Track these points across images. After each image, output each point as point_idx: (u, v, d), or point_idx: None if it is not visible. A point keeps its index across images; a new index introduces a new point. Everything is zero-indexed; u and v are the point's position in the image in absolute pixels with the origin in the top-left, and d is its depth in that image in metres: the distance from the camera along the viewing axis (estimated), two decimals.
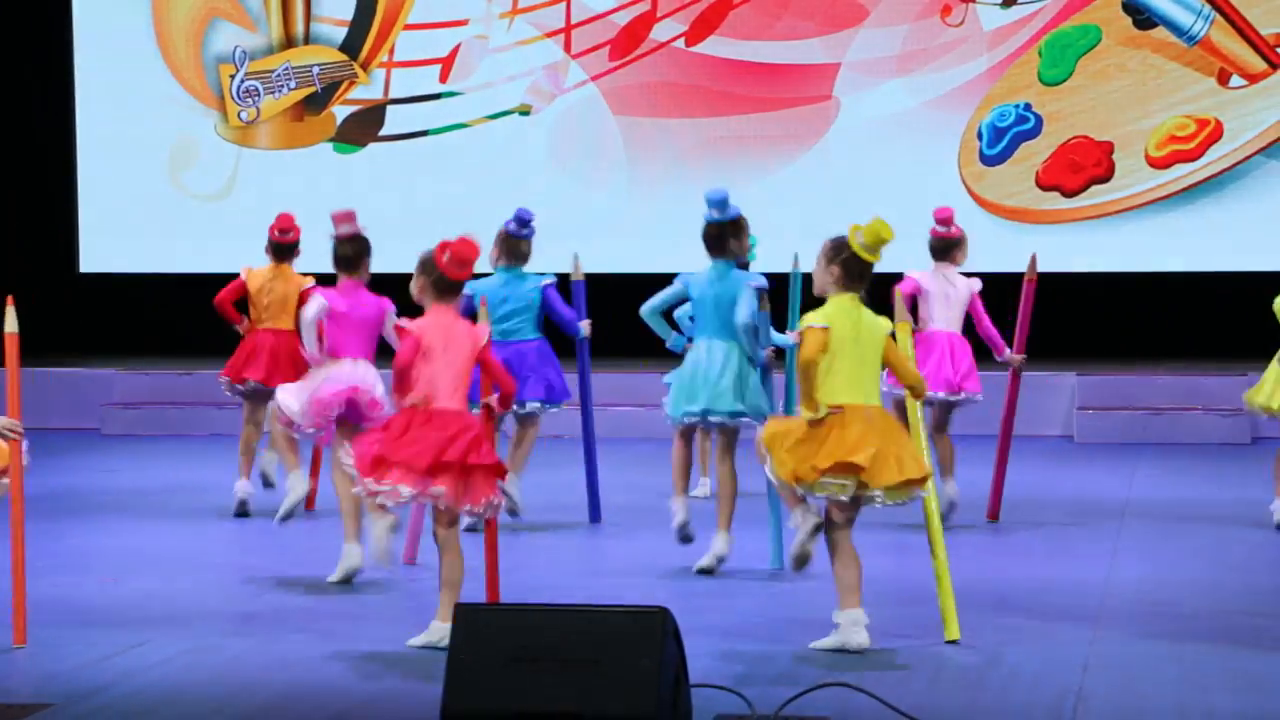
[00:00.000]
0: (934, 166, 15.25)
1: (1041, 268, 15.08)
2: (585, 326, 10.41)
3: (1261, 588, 8.62)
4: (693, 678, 6.17)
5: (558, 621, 6.07)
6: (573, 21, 15.68)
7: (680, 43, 15.58)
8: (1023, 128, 15.20)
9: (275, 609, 8.37)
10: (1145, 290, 15.20)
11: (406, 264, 16.01)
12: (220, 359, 11.18)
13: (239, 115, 16.09)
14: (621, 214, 15.72)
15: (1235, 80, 14.82)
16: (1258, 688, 6.80)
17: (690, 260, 15.60)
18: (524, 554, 9.43)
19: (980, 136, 15.28)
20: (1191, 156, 14.89)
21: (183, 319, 16.25)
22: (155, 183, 16.24)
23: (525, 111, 15.77)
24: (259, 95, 16.06)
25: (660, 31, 15.57)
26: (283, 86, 16.04)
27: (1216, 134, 14.84)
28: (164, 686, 6.90)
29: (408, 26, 15.90)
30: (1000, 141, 15.25)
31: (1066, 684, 6.83)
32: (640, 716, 5.75)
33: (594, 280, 15.78)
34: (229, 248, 16.04)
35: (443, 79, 15.86)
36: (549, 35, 15.71)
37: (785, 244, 15.33)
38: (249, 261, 16.06)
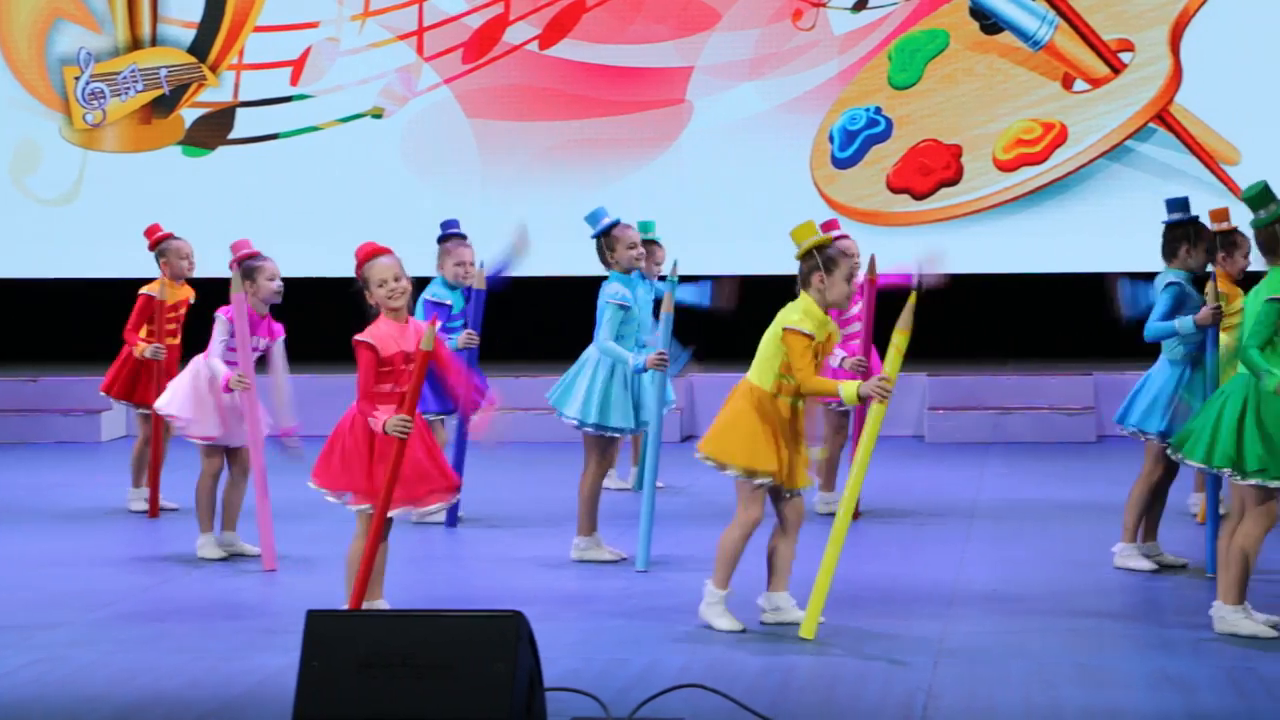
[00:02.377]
0: (786, 169, 15.34)
1: (892, 269, 15.26)
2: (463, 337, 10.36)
3: (1107, 585, 8.74)
4: (548, 681, 6.16)
5: (410, 627, 6.04)
6: (425, 24, 15.61)
7: (534, 45, 15.56)
8: (873, 131, 15.31)
9: (124, 617, 8.29)
10: (993, 292, 15.36)
11: None
12: (66, 365, 11.08)
13: (84, 118, 15.88)
14: (475, 217, 15.65)
15: (1079, 85, 15.02)
16: (1103, 683, 6.91)
17: (543, 263, 15.67)
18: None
19: (831, 140, 15.37)
20: (1037, 160, 15.07)
21: (27, 325, 16.05)
22: None
23: (378, 114, 15.69)
24: (105, 98, 15.86)
25: (513, 34, 15.55)
26: (130, 89, 15.86)
27: (1061, 137, 15.03)
28: (8, 700, 6.81)
29: (257, 28, 15.77)
30: (851, 145, 15.35)
31: (917, 682, 6.90)
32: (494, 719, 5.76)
33: None
34: (75, 253, 15.91)
35: (294, 82, 15.74)
36: (401, 38, 15.64)
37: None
38: (95, 266, 15.97)
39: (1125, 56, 14.94)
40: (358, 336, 7.71)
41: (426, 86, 15.68)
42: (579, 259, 15.53)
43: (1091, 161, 14.99)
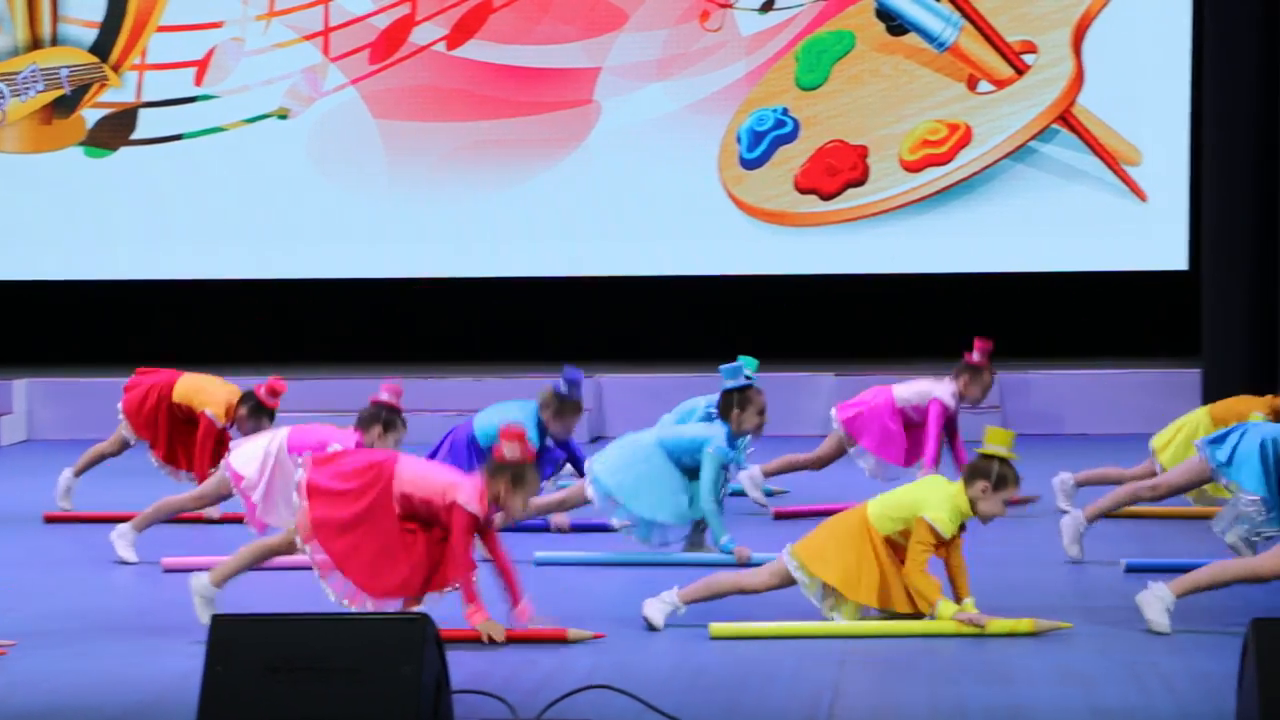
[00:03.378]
0: (694, 170, 15.38)
1: (800, 270, 15.35)
2: None
3: (1015, 583, 8.80)
4: (455, 684, 6.15)
5: (316, 631, 6.02)
6: (331, 24, 15.57)
7: (441, 46, 15.54)
8: (780, 132, 15.37)
9: (23, 623, 8.21)
10: (900, 292, 15.45)
11: (161, 270, 15.95)
12: None
13: None
14: (382, 218, 15.64)
15: (983, 86, 15.14)
16: (1005, 679, 6.96)
17: (452, 264, 15.67)
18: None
19: (739, 140, 15.41)
20: (943, 160, 15.18)
21: None
22: None
23: (283, 115, 15.63)
24: (4, 98, 15.72)
25: (420, 35, 15.52)
26: (30, 89, 15.72)
27: (966, 138, 15.14)
28: None
29: (160, 28, 15.67)
30: (759, 145, 15.39)
31: (824, 681, 6.91)
32: None
33: (354, 285, 15.79)
34: None
35: (197, 82, 15.65)
36: (307, 38, 15.59)
37: (547, 246, 15.48)
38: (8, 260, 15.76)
39: (1028, 58, 15.07)
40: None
41: (333, 87, 15.62)
42: (487, 260, 15.57)
43: (996, 162, 15.10)
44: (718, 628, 7.67)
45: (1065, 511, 10.03)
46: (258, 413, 10.27)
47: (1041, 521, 10.54)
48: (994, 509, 7.74)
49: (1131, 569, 9.01)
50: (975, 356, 11.15)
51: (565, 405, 10.21)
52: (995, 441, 7.85)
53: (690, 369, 13.40)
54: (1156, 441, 10.51)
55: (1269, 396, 10.45)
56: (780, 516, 10.60)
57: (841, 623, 7.69)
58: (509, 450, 7.55)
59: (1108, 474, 10.59)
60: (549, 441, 10.23)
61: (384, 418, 9.39)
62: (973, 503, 7.72)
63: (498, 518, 7.64)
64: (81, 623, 8.22)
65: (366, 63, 15.56)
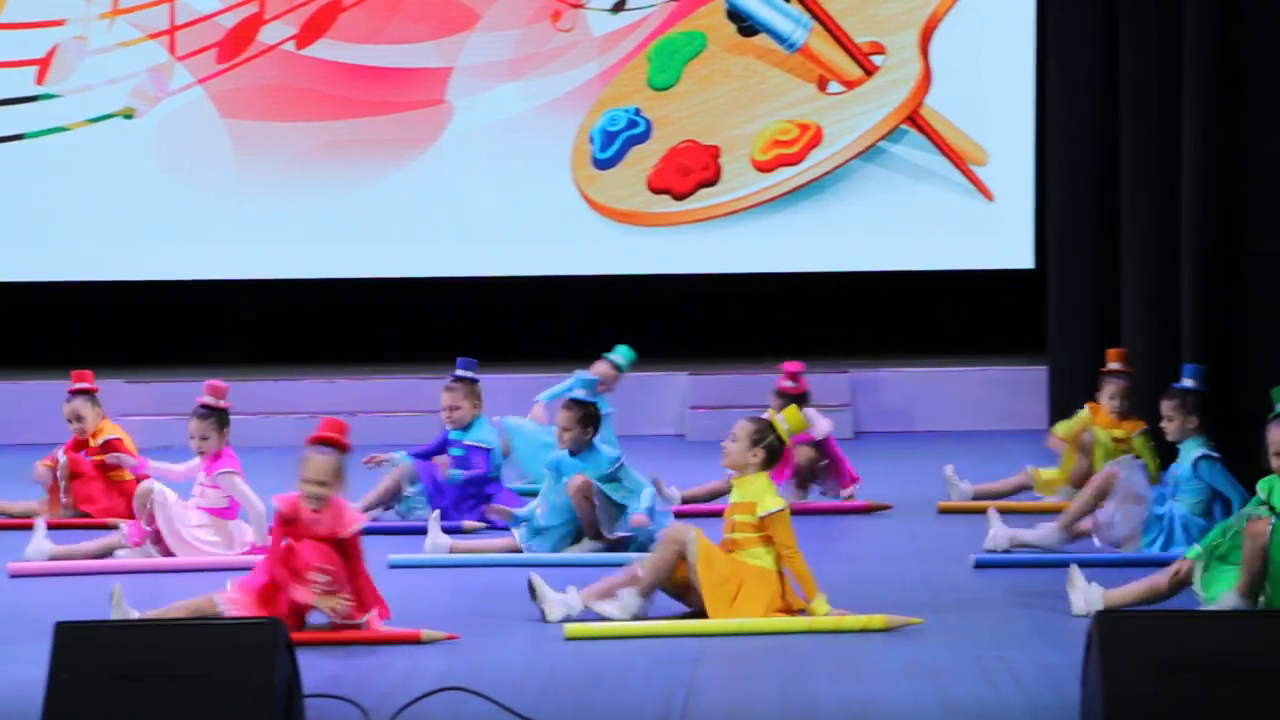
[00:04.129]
0: (547, 170, 15.38)
1: (653, 269, 15.40)
2: None
3: (863, 578, 8.89)
4: (307, 688, 6.14)
5: (165, 636, 5.99)
6: (177, 23, 15.42)
7: (290, 45, 15.44)
8: (633, 132, 15.40)
9: None
10: (753, 291, 15.54)
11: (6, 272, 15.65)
12: None
13: None
14: (231, 219, 15.52)
15: (834, 86, 15.25)
16: (857, 675, 7.03)
17: (303, 265, 15.60)
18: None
19: (592, 140, 15.43)
20: (794, 160, 15.27)
21: None
22: None
23: (129, 115, 15.46)
24: None
25: (269, 34, 15.41)
26: None
27: (817, 139, 15.25)
28: None
29: (0, 26, 15.47)
30: (611, 145, 15.42)
31: (677, 679, 6.96)
32: None
33: (202, 287, 15.65)
34: None
35: (39, 80, 15.44)
36: (152, 37, 15.42)
37: (399, 247, 15.43)
38: None
39: (877, 59, 15.20)
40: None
41: (179, 86, 15.48)
42: (339, 261, 15.49)
43: (846, 162, 15.22)
44: (573, 628, 7.69)
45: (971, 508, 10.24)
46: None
47: (892, 518, 10.69)
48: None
49: (981, 564, 9.13)
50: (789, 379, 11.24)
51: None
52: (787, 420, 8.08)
53: (543, 369, 13.39)
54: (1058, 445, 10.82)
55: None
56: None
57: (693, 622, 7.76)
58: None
59: (991, 489, 10.73)
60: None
61: (223, 418, 9.64)
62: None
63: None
64: None
65: (214, 62, 15.42)
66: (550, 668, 7.21)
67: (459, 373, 10.71)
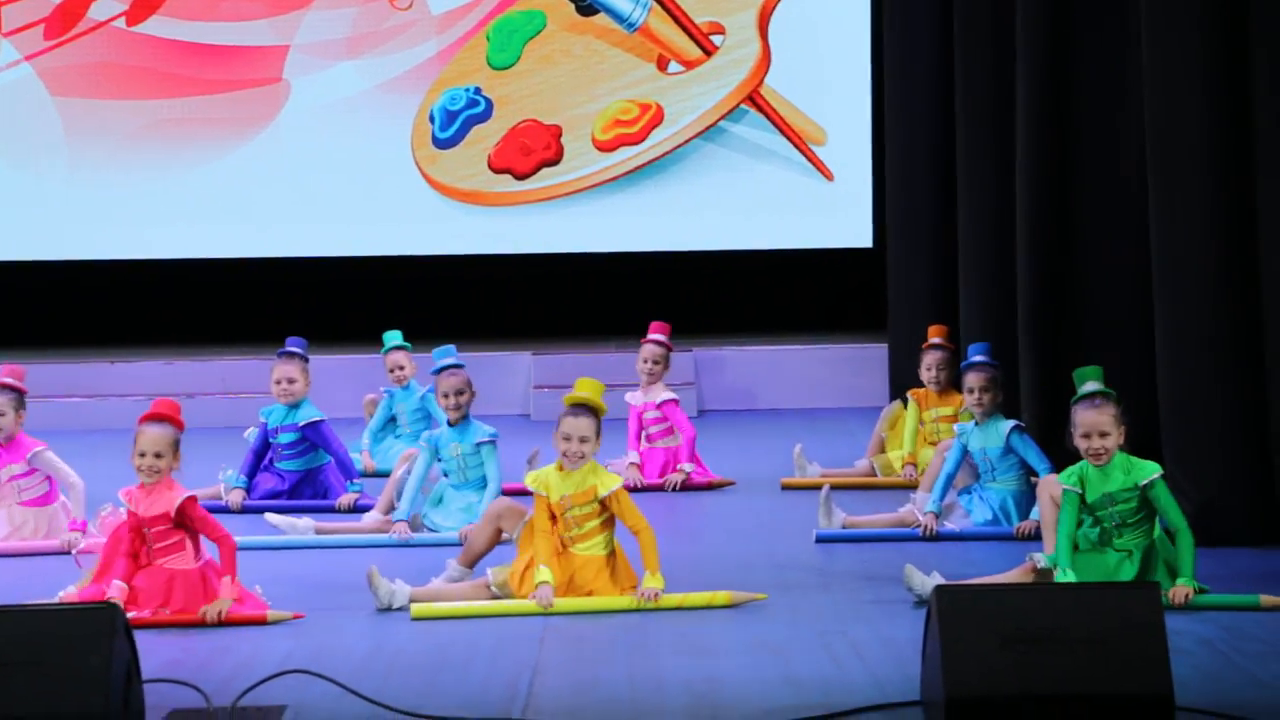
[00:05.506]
0: (387, 149, 15.38)
1: (495, 249, 15.42)
2: None
3: (709, 554, 8.95)
4: (147, 673, 6.10)
5: (12, 620, 5.93)
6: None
7: (121, 22, 15.28)
8: (473, 111, 15.42)
9: None
10: (596, 270, 15.60)
11: None
12: None
13: None
14: (62, 198, 15.35)
15: (674, 66, 15.35)
16: (702, 651, 7.08)
17: (137, 246, 15.45)
18: None
19: (432, 120, 15.44)
20: (635, 140, 15.36)
21: None
22: None
23: None
24: None
25: (99, 10, 15.25)
26: None
27: (658, 118, 15.34)
28: None
29: None
30: (452, 125, 15.43)
31: (523, 659, 6.97)
32: (89, 714, 5.66)
33: (31, 267, 15.45)
34: None
35: None
36: None
37: (236, 229, 15.32)
38: None
39: (716, 39, 15.32)
40: None
41: (6, 63, 15.29)
42: (174, 242, 15.36)
43: (687, 142, 15.34)
44: (418, 609, 7.69)
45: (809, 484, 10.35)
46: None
47: (737, 495, 10.78)
48: None
49: (821, 539, 9.21)
50: (657, 339, 11.34)
51: None
52: (592, 392, 8.10)
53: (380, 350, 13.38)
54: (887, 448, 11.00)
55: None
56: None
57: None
58: None
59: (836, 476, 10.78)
60: None
61: (21, 401, 9.52)
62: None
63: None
64: None
65: (42, 38, 15.24)
66: (396, 649, 7.19)
67: (291, 348, 10.66)
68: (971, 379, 9.43)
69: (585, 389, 8.06)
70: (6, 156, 15.35)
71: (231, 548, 7.74)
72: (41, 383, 11.70)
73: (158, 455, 7.76)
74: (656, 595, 7.72)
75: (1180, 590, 7.38)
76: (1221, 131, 8.74)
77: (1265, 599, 7.42)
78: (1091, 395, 7.61)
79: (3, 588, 7.94)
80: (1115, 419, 7.58)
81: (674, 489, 10.71)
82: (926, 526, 9.14)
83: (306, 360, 10.67)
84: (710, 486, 10.90)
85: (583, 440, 7.91)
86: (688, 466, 10.84)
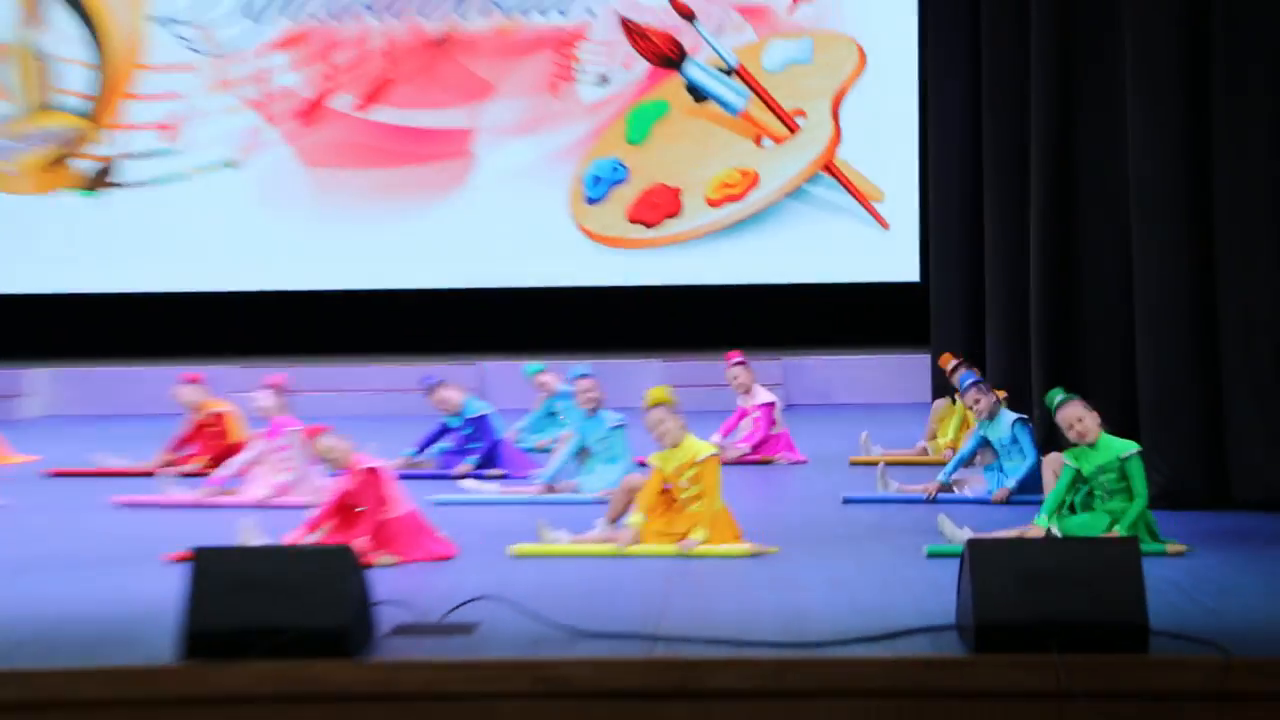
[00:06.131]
0: (551, 206, 15.47)
1: (631, 282, 15.46)
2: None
3: (787, 514, 8.88)
4: (377, 597, 6.15)
5: (279, 557, 6.03)
6: (270, 94, 15.48)
7: (353, 110, 15.50)
8: (615, 177, 15.48)
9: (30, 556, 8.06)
10: (707, 298, 15.61)
11: (138, 284, 15.47)
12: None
13: (1, 168, 15.49)
14: (308, 243, 15.57)
15: (767, 142, 15.34)
16: (789, 587, 6.96)
17: (366, 279, 15.55)
18: None
19: (584, 183, 15.50)
20: (737, 198, 15.36)
21: None
22: None
23: (232, 165, 15.51)
24: (16, 153, 15.47)
25: (338, 104, 15.48)
26: (33, 145, 15.49)
27: (754, 182, 15.34)
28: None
29: (133, 96, 15.50)
30: (599, 187, 15.49)
31: (656, 591, 6.92)
32: (337, 627, 5.76)
33: (287, 296, 15.63)
34: (6, 272, 15.47)
35: (164, 139, 15.50)
36: (249, 104, 15.48)
37: (438, 265, 15.48)
38: (12, 282, 15.46)
39: (800, 121, 15.29)
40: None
41: (274, 142, 15.54)
42: (392, 276, 15.52)
43: (776, 200, 15.32)
44: (600, 548, 7.71)
45: (871, 461, 10.24)
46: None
47: (814, 469, 10.62)
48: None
49: (848, 501, 9.15)
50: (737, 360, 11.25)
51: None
52: (657, 397, 8.03)
53: (548, 358, 13.42)
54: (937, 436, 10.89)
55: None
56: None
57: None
58: None
59: (893, 456, 10.69)
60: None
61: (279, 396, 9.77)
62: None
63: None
64: (71, 556, 8.03)
65: (297, 123, 15.48)
66: (560, 583, 7.13)
67: (430, 380, 10.74)
68: (966, 399, 9.49)
69: (651, 394, 8.06)
70: (272, 210, 15.57)
71: (403, 516, 7.74)
72: (305, 381, 11.89)
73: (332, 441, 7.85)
74: (694, 545, 7.64)
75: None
76: (1189, 187, 8.66)
77: (1170, 547, 7.41)
78: (1061, 401, 7.60)
79: (269, 531, 8.04)
80: (1084, 407, 7.54)
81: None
82: (929, 491, 9.11)
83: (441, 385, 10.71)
84: (791, 463, 10.84)
85: (658, 426, 7.91)
86: (744, 448, 10.80)
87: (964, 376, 9.77)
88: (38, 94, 15.48)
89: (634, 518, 7.77)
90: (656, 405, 7.96)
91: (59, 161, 15.49)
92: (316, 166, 15.55)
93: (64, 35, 15.40)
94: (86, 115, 15.50)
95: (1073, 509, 7.57)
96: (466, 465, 10.27)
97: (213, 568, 5.88)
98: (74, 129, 15.47)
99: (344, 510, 7.74)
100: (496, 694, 5.69)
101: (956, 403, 10.71)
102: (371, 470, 7.73)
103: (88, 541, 8.40)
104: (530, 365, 11.71)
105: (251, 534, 7.79)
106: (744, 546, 7.69)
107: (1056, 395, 7.67)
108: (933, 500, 9.06)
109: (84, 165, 15.53)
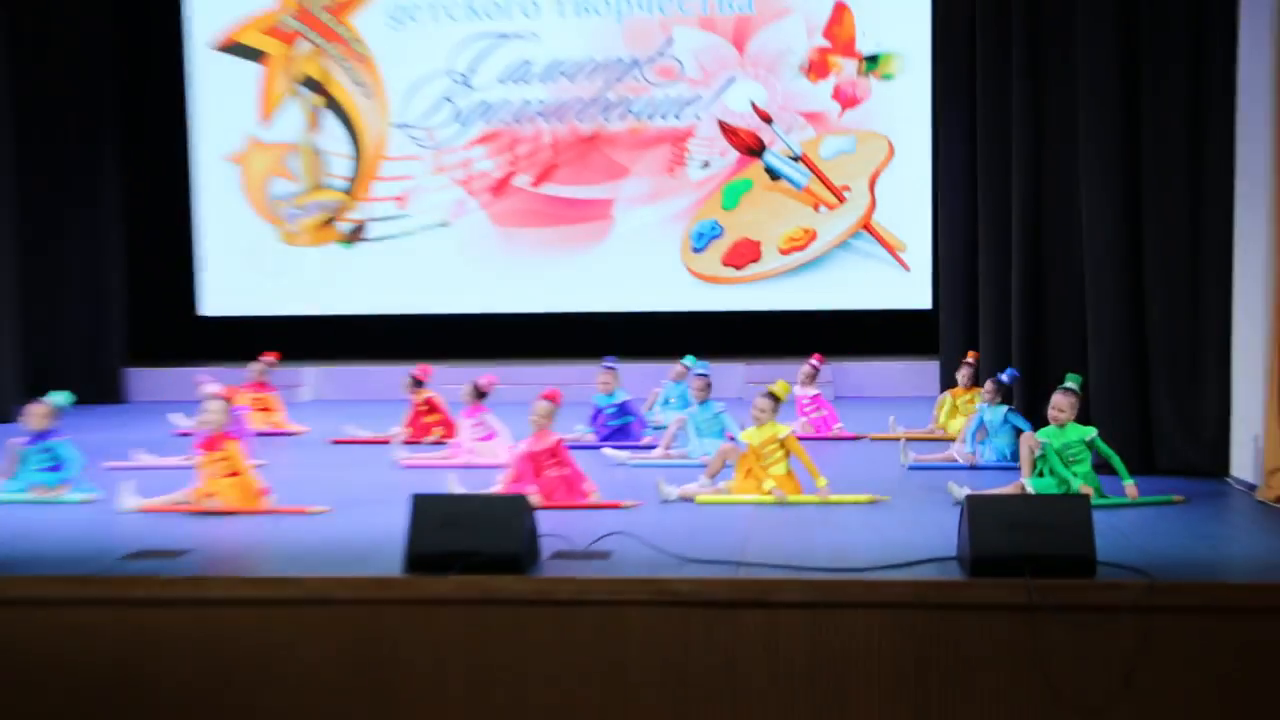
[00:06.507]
0: (668, 254, 15.43)
1: (726, 308, 15.41)
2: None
3: (846, 475, 8.81)
4: (542, 530, 6.23)
5: (470, 502, 6.12)
6: (471, 174, 15.64)
7: (529, 186, 15.63)
8: (713, 233, 15.42)
9: (339, 498, 8.13)
10: (780, 320, 15.46)
11: (381, 307, 15.63)
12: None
13: (287, 230, 15.83)
14: (497, 280, 15.68)
15: (822, 209, 15.22)
16: (837, 528, 6.87)
17: (541, 304, 15.58)
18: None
19: (691, 238, 15.48)
20: (801, 249, 15.25)
21: (258, 343, 15.87)
22: (239, 267, 15.85)
23: (444, 224, 15.71)
24: (299, 218, 15.82)
25: (519, 181, 15.60)
26: (311, 213, 15.82)
27: (814, 237, 15.19)
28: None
29: (379, 178, 15.76)
30: (702, 241, 15.45)
31: (741, 530, 6.88)
32: (514, 551, 5.81)
33: (480, 319, 15.79)
34: (287, 299, 15.75)
35: (399, 207, 15.74)
36: (458, 182, 15.66)
37: (589, 294, 15.56)
38: (294, 307, 15.78)
39: (846, 194, 15.16)
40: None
41: (474, 209, 15.71)
42: (559, 301, 15.61)
43: (828, 250, 15.18)
44: (702, 497, 7.66)
45: (897, 438, 10.07)
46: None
47: (856, 443, 10.48)
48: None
49: (913, 468, 9.03)
50: (815, 363, 11.21)
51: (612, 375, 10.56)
52: (779, 388, 7.92)
53: (659, 362, 13.45)
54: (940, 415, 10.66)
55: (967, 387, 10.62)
56: None
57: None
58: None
59: (911, 433, 10.54)
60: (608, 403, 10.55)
61: (476, 389, 9.66)
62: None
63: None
64: (368, 498, 8.13)
65: (490, 195, 15.64)
66: (673, 521, 7.09)
67: (607, 364, 10.70)
68: (987, 386, 9.33)
69: (774, 386, 8.05)
70: (471, 257, 15.69)
71: (573, 472, 7.73)
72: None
73: (544, 416, 7.86)
74: (784, 495, 7.57)
75: (1130, 488, 7.20)
76: (1128, 229, 8.43)
77: (1129, 489, 7.29)
78: (1064, 388, 7.50)
79: (471, 486, 8.11)
80: (1072, 404, 7.43)
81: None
82: (970, 458, 8.95)
83: (615, 370, 10.69)
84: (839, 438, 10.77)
85: (760, 410, 7.86)
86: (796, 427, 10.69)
87: (1008, 371, 9.56)
88: (315, 177, 15.79)
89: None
90: (769, 395, 7.96)
91: (327, 224, 15.77)
92: (503, 226, 15.64)
93: (333, 136, 15.69)
94: (347, 191, 15.76)
95: (1040, 474, 7.45)
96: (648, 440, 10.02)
97: (427, 508, 5.98)
98: (338, 201, 15.75)
99: (524, 467, 7.78)
100: (625, 601, 5.72)
101: (950, 395, 10.61)
102: (559, 441, 7.80)
103: (342, 488, 8.50)
104: (689, 358, 11.59)
105: (455, 485, 7.87)
106: (834, 497, 7.62)
107: (1075, 380, 7.60)
108: (973, 467, 8.93)
109: (344, 226, 15.77)
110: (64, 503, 7.71)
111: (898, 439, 10.03)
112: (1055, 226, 9.59)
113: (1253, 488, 7.73)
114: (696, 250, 15.49)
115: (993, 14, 10.79)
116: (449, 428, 10.46)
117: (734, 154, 15.31)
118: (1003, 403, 9.22)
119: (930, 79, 14.68)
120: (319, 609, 5.74)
